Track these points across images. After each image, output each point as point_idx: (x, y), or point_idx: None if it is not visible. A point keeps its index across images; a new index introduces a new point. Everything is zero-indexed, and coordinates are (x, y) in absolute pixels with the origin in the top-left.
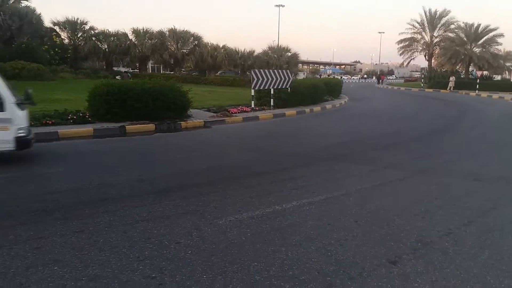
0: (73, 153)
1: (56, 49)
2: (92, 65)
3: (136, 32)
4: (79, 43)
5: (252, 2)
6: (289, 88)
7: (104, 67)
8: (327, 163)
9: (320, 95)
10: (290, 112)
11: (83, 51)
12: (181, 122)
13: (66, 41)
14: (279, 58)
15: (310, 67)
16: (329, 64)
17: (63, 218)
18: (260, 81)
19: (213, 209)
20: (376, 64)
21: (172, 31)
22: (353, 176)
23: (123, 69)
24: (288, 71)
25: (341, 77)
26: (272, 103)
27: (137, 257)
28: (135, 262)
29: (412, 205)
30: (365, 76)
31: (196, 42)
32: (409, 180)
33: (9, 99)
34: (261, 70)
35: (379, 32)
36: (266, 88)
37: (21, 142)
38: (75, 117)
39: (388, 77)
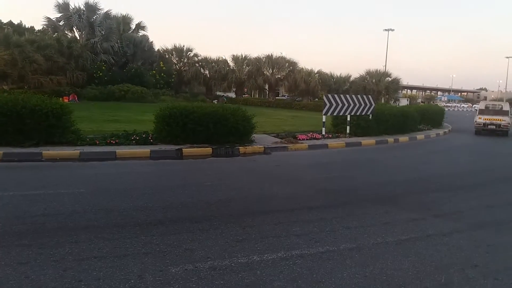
0: (106, 174)
1: (162, 74)
2: (192, 89)
3: (235, 58)
4: (184, 68)
5: (358, 27)
6: (370, 115)
7: (205, 91)
8: (364, 205)
9: (411, 124)
10: (367, 141)
11: (186, 76)
12: (240, 147)
13: (173, 66)
14: (377, 83)
15: (426, 94)
16: (447, 90)
17: (19, 244)
18: (333, 107)
19: (182, 252)
20: (503, 91)
21: (268, 58)
22: (383, 224)
23: (221, 93)
24: (369, 97)
25: (455, 106)
26: (348, 131)
27: None
28: None
29: (433, 273)
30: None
31: (291, 67)
32: (455, 236)
33: None
34: (335, 95)
35: (507, 57)
36: (340, 114)
37: None
38: (138, 138)
39: None
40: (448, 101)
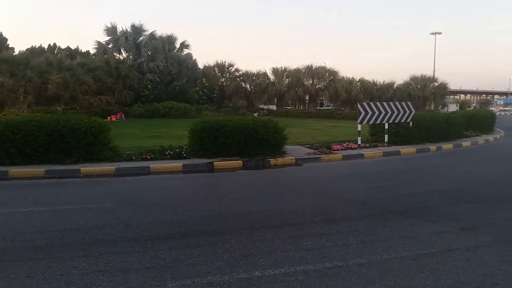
0: (136, 189)
1: (205, 90)
2: (234, 104)
3: (275, 71)
4: (225, 83)
5: (403, 32)
6: (410, 123)
7: (246, 105)
8: (388, 217)
9: (456, 130)
10: (407, 150)
11: (228, 91)
12: (271, 159)
13: (215, 82)
14: (422, 89)
15: (481, 98)
16: (505, 93)
17: (34, 258)
18: (369, 115)
19: (185, 266)
20: None
21: (308, 68)
22: (403, 238)
23: (265, 106)
24: (408, 103)
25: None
26: (386, 139)
27: None
28: None
29: None
30: None
31: (331, 77)
32: (480, 251)
33: None
34: (371, 103)
35: None
36: (377, 122)
37: None
38: (171, 152)
39: None
40: (505, 104)
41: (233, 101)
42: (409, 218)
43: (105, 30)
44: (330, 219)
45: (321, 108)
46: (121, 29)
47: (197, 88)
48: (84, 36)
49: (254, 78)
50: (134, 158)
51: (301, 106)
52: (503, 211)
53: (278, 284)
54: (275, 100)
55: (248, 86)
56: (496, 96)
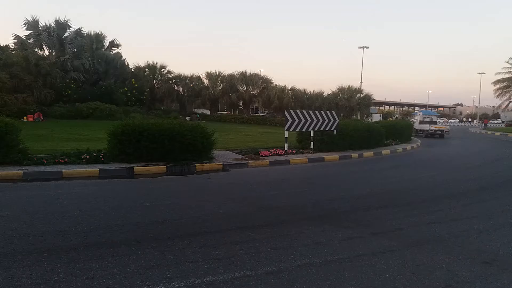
0: (43, 196)
1: (134, 91)
2: (166, 106)
3: (209, 75)
4: (157, 85)
5: (333, 45)
6: (334, 131)
7: (179, 108)
8: (303, 223)
9: (376, 139)
10: (331, 157)
11: (159, 93)
12: (197, 165)
13: (146, 83)
14: (349, 99)
15: (403, 109)
16: (424, 106)
17: None
18: (296, 122)
19: (81, 282)
20: (477, 107)
21: (242, 74)
22: (315, 244)
23: (199, 111)
24: (333, 112)
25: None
26: (311, 147)
27: None
28: None
29: None
30: (469, 119)
31: (264, 84)
32: (386, 255)
33: None
34: (297, 111)
35: (479, 73)
36: (303, 130)
37: None
38: (88, 156)
39: (492, 121)
40: (424, 116)
41: (165, 104)
42: (324, 224)
43: (25, 24)
44: (247, 226)
45: (256, 114)
46: (44, 24)
47: (126, 89)
48: (3, 29)
49: (187, 81)
50: (45, 162)
51: (236, 112)
52: (412, 216)
53: None
54: (209, 105)
55: (181, 89)
56: (416, 108)
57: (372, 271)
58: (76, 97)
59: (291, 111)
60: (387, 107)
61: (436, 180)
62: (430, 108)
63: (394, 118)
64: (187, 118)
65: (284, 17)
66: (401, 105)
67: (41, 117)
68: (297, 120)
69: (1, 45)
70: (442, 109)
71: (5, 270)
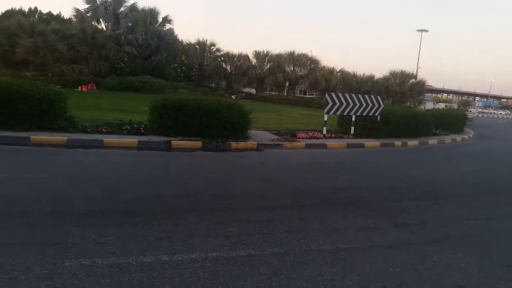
0: (82, 162)
1: (184, 68)
2: (216, 85)
3: (257, 54)
4: (206, 63)
5: (391, 28)
6: (378, 117)
7: (225, 86)
8: (325, 208)
9: (423, 127)
10: (372, 143)
11: (207, 71)
12: (232, 143)
13: (195, 60)
14: (401, 85)
15: (462, 98)
16: (485, 96)
17: None
18: (337, 106)
19: (92, 246)
20: None
21: (290, 55)
22: (331, 230)
23: (246, 90)
24: (378, 97)
25: (492, 112)
26: (352, 132)
27: None
28: None
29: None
30: None
31: (312, 65)
32: (402, 248)
33: None
34: (339, 94)
35: None
36: (344, 114)
37: None
38: (129, 128)
39: None
40: (485, 107)
41: (212, 81)
42: (346, 211)
43: None
44: (266, 206)
45: (304, 96)
46: None
47: (176, 65)
48: (67, 1)
49: (235, 59)
50: (89, 130)
51: (284, 92)
52: (441, 210)
53: (182, 269)
54: (255, 84)
55: (228, 67)
56: (477, 98)
57: (382, 264)
58: (128, 70)
59: (332, 93)
60: (445, 95)
61: (479, 175)
62: (492, 99)
63: (448, 106)
64: (232, 96)
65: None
66: (461, 93)
67: (95, 88)
68: (338, 103)
69: (65, 18)
70: (505, 100)
71: (27, 227)
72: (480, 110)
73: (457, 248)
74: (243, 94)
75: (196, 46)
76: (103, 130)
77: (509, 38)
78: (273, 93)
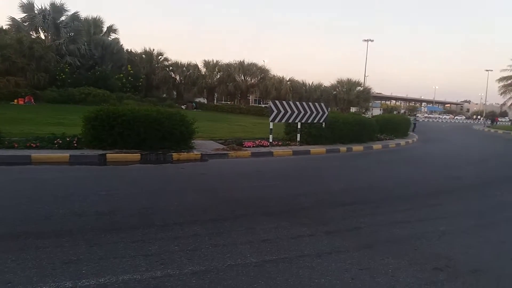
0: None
1: (130, 78)
2: (162, 94)
3: (206, 63)
4: (153, 72)
5: (338, 38)
6: (323, 123)
7: (175, 96)
8: (258, 219)
9: (368, 133)
10: (317, 150)
11: (155, 81)
12: (174, 154)
13: (142, 70)
14: (348, 92)
15: (409, 104)
16: (431, 102)
17: None
18: (281, 114)
19: None
20: (485, 104)
21: (240, 64)
22: (261, 242)
23: (197, 100)
24: (322, 104)
25: (437, 117)
26: (298, 139)
27: None
28: None
29: None
30: (478, 117)
31: (262, 74)
32: (332, 257)
33: None
34: (283, 102)
35: (486, 70)
36: (290, 121)
37: None
38: (61, 142)
39: (500, 119)
40: (430, 112)
41: (161, 91)
42: (280, 220)
43: (20, 6)
44: (197, 220)
45: (257, 105)
46: (39, 7)
47: (122, 75)
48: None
49: (184, 69)
50: (16, 146)
51: (235, 102)
52: (376, 215)
53: None
54: (206, 94)
55: (177, 77)
56: (423, 104)
57: (308, 275)
58: (70, 82)
59: (277, 101)
60: (393, 102)
61: (417, 177)
62: (437, 104)
63: (397, 112)
64: (182, 106)
65: (287, 6)
66: (408, 100)
67: (32, 100)
68: (283, 111)
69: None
70: (449, 105)
71: None
72: (426, 115)
73: (388, 253)
74: (194, 104)
75: (143, 55)
76: (32, 145)
77: (452, 45)
78: (228, 102)
